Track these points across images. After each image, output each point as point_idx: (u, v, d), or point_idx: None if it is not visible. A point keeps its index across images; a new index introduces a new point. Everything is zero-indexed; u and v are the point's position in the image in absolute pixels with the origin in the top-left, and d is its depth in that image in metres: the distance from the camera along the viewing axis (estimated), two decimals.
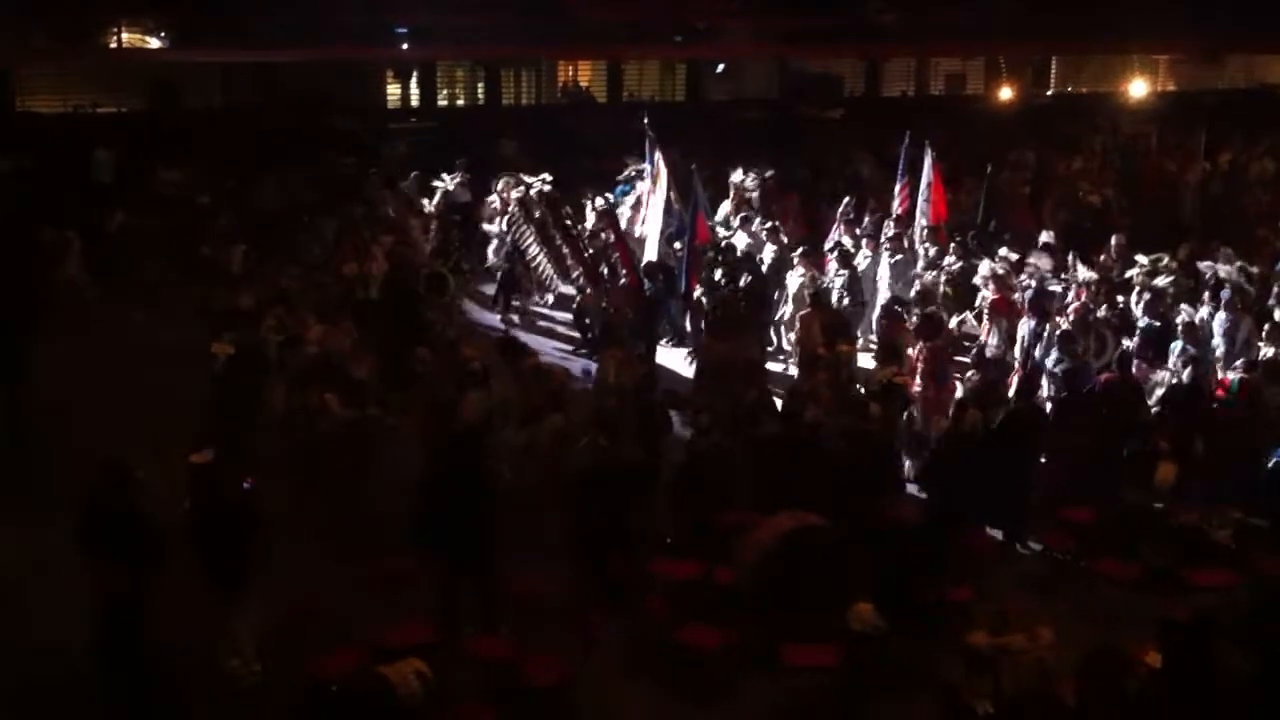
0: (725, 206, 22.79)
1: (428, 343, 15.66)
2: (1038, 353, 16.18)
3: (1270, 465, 13.33)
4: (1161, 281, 17.91)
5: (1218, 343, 16.60)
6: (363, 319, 16.88)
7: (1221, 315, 16.84)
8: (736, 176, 23.11)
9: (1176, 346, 15.97)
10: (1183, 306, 17.25)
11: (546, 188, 20.29)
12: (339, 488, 13.06)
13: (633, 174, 23.17)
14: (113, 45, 28.62)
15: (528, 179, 20.59)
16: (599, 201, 21.63)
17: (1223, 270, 18.14)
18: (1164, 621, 9.00)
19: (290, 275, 18.91)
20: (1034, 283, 17.81)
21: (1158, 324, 16.64)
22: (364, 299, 18.33)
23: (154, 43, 29.34)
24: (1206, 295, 17.39)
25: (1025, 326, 16.70)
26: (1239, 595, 11.21)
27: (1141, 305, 17.27)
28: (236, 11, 27.05)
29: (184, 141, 25.77)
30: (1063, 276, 18.27)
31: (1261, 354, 15.51)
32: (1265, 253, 20.56)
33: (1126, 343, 16.36)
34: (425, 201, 23.16)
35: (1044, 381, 15.59)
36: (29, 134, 26.05)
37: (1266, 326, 16.15)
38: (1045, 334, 16.19)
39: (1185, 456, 13.93)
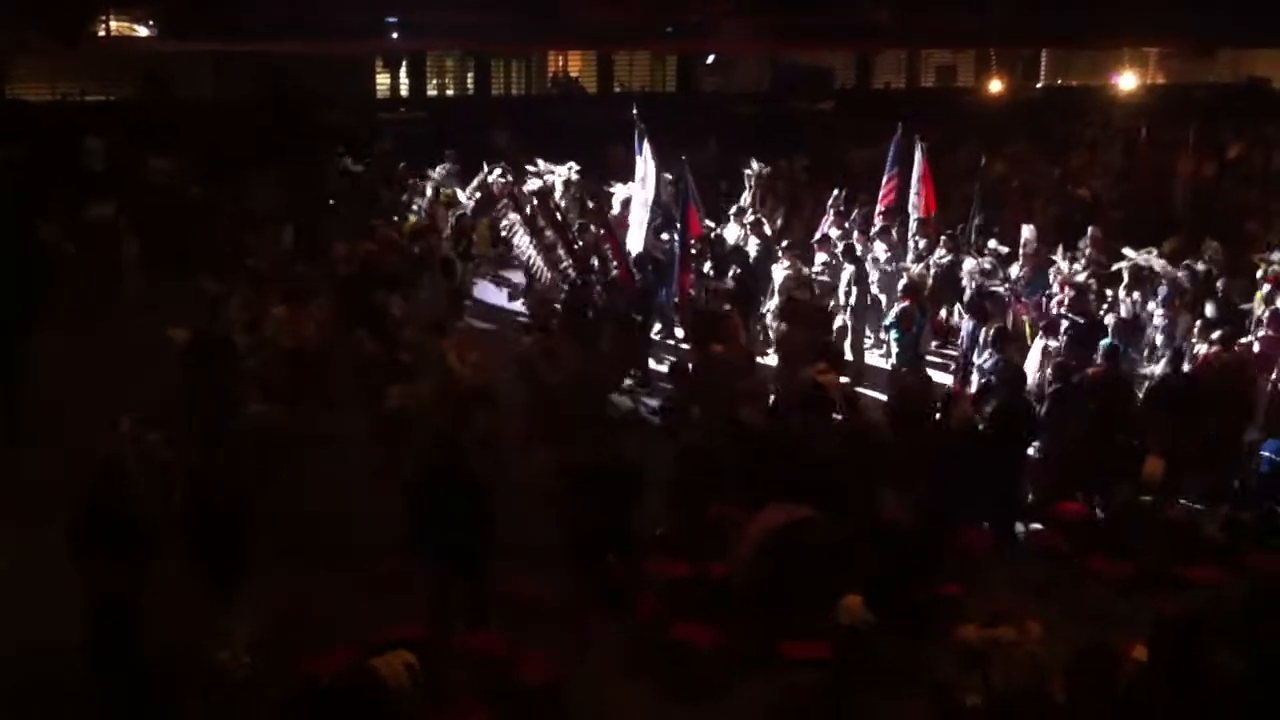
0: (746, 197, 22.89)
1: (380, 332, 15.67)
2: (975, 354, 16.07)
3: (1260, 459, 13.34)
4: (1082, 276, 17.94)
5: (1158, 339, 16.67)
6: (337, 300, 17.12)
7: (1157, 311, 16.86)
8: (753, 167, 23.15)
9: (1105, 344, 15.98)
10: (1121, 299, 17.24)
11: (574, 176, 20.32)
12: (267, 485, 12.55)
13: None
14: (101, 34, 28.52)
15: (559, 169, 20.68)
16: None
17: (1156, 264, 18.15)
18: (1155, 619, 8.99)
19: (259, 258, 18.99)
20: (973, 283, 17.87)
21: (1081, 321, 16.54)
22: (343, 280, 18.47)
23: (142, 31, 29.25)
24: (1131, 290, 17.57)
25: (965, 326, 16.65)
26: (1230, 592, 11.21)
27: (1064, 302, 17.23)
28: (226, 1, 26.99)
29: (174, 131, 25.69)
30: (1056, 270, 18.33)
31: (1194, 350, 15.43)
32: (1255, 247, 20.58)
33: (1053, 343, 16.15)
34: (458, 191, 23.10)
35: (975, 379, 15.50)
36: (17, 122, 25.95)
37: (1198, 323, 16.06)
38: (982, 335, 16.06)
39: (1173, 451, 13.96)
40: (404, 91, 33.67)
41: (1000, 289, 18.03)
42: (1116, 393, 14.41)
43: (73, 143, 25.28)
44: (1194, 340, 15.79)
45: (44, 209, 21.30)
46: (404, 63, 33.23)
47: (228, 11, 27.28)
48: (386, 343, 15.26)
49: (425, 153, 24.82)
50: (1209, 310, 16.85)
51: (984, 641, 9.54)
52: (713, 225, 20.59)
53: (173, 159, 24.75)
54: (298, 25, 27.19)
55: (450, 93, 35.99)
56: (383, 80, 33.98)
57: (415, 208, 23.20)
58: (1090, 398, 14.30)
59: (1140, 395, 15.09)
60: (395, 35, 30.22)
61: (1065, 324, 16.48)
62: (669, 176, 20.32)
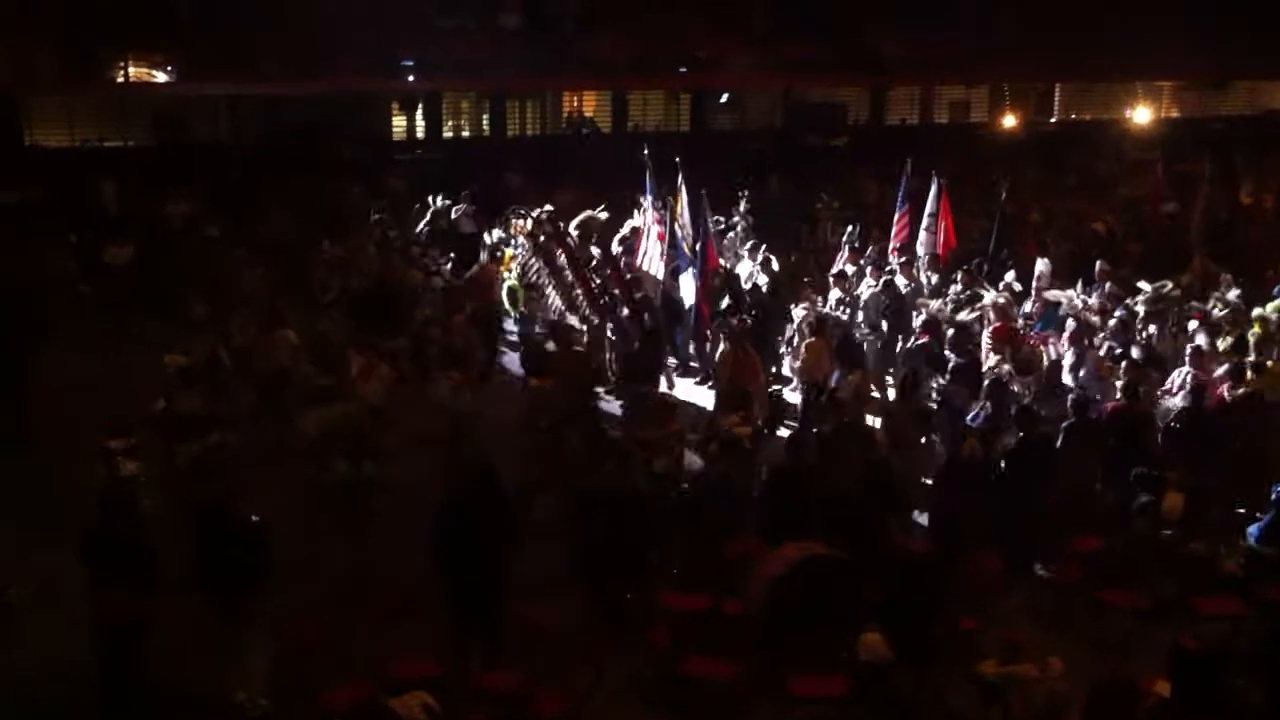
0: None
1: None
2: None
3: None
4: (966, 315, 17.86)
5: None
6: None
7: (1067, 350, 16.88)
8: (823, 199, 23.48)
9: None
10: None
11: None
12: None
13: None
14: (119, 80, 28.75)
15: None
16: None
17: (1062, 297, 18.14)
18: (1174, 650, 8.96)
19: (254, 278, 19.25)
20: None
21: (964, 360, 16.41)
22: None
23: (161, 77, 29.47)
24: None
25: (835, 376, 16.58)
26: (1248, 624, 11.16)
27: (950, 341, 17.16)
28: (243, 45, 27.21)
29: (191, 174, 25.90)
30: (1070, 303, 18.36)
31: (1118, 387, 15.34)
32: (1267, 281, 20.57)
33: (941, 380, 16.18)
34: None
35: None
36: (37, 167, 26.18)
37: (1124, 362, 16.03)
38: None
39: (1193, 485, 13.90)
40: (420, 133, 33.80)
41: (870, 338, 18.19)
42: (1135, 427, 14.38)
43: (90, 187, 25.48)
44: (1118, 381, 15.66)
45: (61, 250, 21.52)
46: (419, 104, 33.39)
47: (244, 55, 27.50)
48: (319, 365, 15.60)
49: (440, 193, 24.91)
50: (1135, 352, 16.87)
51: (1004, 677, 9.51)
52: (726, 263, 20.56)
53: (189, 202, 24.93)
54: (313, 67, 27.39)
55: (466, 133, 36.10)
56: (399, 122, 34.12)
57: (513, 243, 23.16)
58: (1108, 433, 14.28)
59: (1160, 430, 15.03)
60: (410, 76, 30.40)
61: (951, 364, 16.45)
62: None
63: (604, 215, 22.15)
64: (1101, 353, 16.88)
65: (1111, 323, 17.67)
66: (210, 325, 16.90)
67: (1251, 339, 17.31)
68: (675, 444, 14.06)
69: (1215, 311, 17.95)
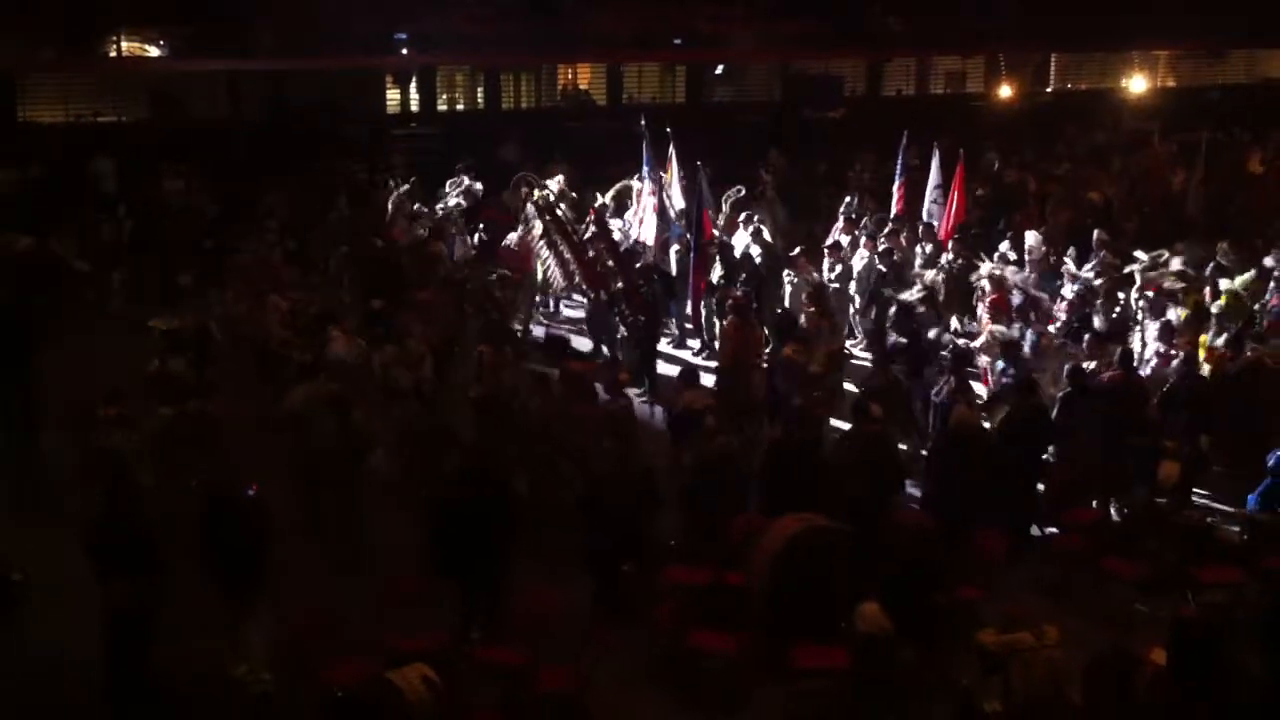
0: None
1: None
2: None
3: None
4: (912, 296, 17.80)
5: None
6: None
7: (1029, 329, 16.83)
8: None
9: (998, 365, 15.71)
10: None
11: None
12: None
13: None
14: (113, 55, 28.59)
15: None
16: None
17: (1013, 277, 18.11)
18: (1174, 620, 8.97)
19: (246, 250, 19.43)
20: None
21: (905, 340, 16.14)
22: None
23: (154, 52, 29.32)
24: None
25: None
26: (1248, 594, 11.19)
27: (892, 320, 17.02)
28: (238, 21, 27.07)
29: (188, 152, 25.77)
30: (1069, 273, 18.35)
31: (1088, 367, 15.30)
32: (1265, 250, 20.55)
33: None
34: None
35: None
36: (32, 144, 26.05)
37: (1086, 337, 16.01)
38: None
39: (1189, 454, 13.93)
40: (414, 107, 33.66)
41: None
42: (1131, 397, 14.39)
43: (85, 163, 25.36)
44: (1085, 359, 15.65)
45: (58, 228, 21.42)
46: (414, 78, 33.25)
47: (238, 30, 27.35)
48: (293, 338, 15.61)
49: (437, 167, 24.83)
50: (1097, 323, 16.84)
51: (1002, 647, 9.52)
52: (719, 234, 20.49)
53: (186, 179, 24.82)
54: (309, 42, 27.26)
55: (460, 107, 35.95)
56: (393, 96, 33.96)
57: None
58: (1104, 402, 14.29)
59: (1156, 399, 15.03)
60: (405, 50, 30.27)
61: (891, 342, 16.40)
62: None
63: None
64: (1054, 328, 16.91)
65: (1070, 297, 17.65)
66: (199, 296, 16.78)
67: (1214, 310, 17.24)
68: (624, 425, 13.54)
69: (1167, 283, 17.86)
